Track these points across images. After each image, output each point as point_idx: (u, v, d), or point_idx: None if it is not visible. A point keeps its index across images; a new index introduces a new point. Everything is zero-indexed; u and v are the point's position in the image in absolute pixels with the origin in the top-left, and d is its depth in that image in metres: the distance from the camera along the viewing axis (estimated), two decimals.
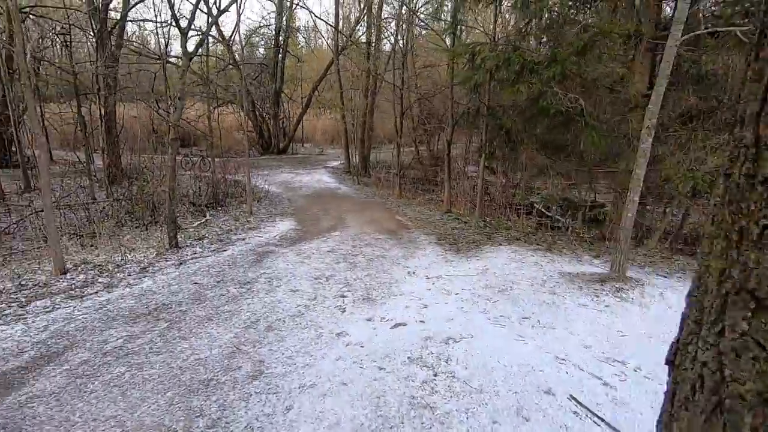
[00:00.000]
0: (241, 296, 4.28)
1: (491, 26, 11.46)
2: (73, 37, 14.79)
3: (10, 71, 13.62)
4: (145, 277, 4.87)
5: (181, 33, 5.65)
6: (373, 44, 14.87)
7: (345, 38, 15.94)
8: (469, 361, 2.94)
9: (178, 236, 6.82)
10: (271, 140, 19.22)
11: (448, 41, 11.26)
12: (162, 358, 3.01)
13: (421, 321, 3.63)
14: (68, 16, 13.16)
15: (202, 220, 8.75)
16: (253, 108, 18.40)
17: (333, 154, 21.38)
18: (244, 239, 6.75)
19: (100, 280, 4.79)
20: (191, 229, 7.83)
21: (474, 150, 21.21)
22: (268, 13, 17.86)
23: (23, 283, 4.83)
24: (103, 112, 12.54)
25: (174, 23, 5.44)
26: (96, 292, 4.34)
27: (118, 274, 4.99)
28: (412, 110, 13.09)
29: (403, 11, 11.09)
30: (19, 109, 14.43)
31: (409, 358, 2.97)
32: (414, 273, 5.18)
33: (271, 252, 6.03)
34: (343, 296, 4.32)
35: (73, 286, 4.62)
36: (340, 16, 16.69)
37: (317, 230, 7.62)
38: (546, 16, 5.63)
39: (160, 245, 6.34)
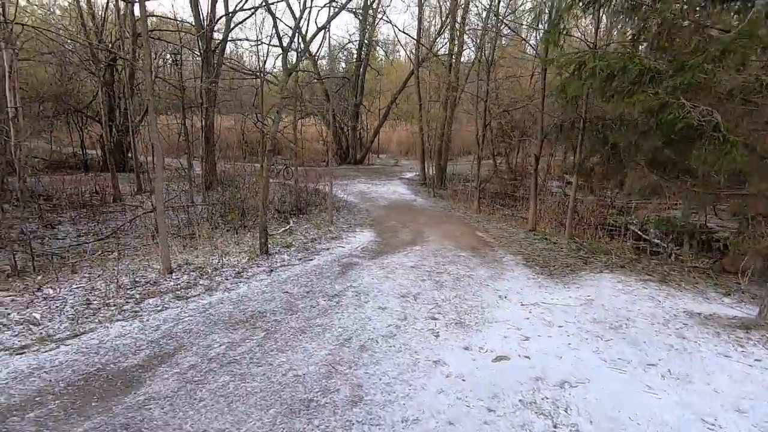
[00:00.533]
0: (331, 309, 4.23)
1: (587, 34, 10.69)
2: (183, 56, 16.41)
3: (131, 87, 15.40)
4: (240, 282, 5.05)
5: (282, 50, 5.88)
6: (455, 55, 14.64)
7: (426, 50, 15.90)
8: (591, 412, 2.55)
9: (268, 242, 7.08)
10: (349, 151, 19.71)
11: (539, 50, 10.70)
12: (262, 370, 3.00)
13: (525, 356, 3.29)
14: (180, 38, 14.63)
15: (286, 227, 9.05)
16: (334, 119, 19.03)
17: (408, 165, 21.39)
18: (328, 249, 6.82)
19: (201, 282, 5.05)
20: (277, 236, 8.11)
21: (557, 164, 20.01)
22: (351, 33, 18.43)
23: (137, 279, 5.25)
24: (203, 123, 13.68)
25: (277, 41, 5.67)
26: (198, 295, 4.56)
27: (216, 278, 5.23)
28: (492, 122, 12.61)
29: (490, 22, 10.75)
30: (135, 121, 16.25)
31: (521, 401, 2.66)
32: (506, 297, 4.81)
33: (355, 264, 5.99)
34: (434, 318, 4.09)
35: (178, 286, 4.91)
36: (422, 29, 16.70)
37: (397, 243, 7.50)
38: (659, 20, 5.03)
39: (251, 250, 6.61)
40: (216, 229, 9.66)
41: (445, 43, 17.56)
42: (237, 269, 5.62)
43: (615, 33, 8.31)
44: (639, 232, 10.64)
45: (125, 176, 14.07)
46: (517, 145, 17.38)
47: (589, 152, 6.76)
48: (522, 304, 4.57)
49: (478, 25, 14.01)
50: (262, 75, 9.71)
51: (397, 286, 5.05)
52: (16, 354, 3.10)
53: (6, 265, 7.23)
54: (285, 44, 5.85)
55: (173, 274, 5.48)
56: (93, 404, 2.57)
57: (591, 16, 7.44)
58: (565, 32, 6.00)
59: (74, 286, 5.10)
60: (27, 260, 7.32)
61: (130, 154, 16.30)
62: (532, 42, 14.24)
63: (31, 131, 15.08)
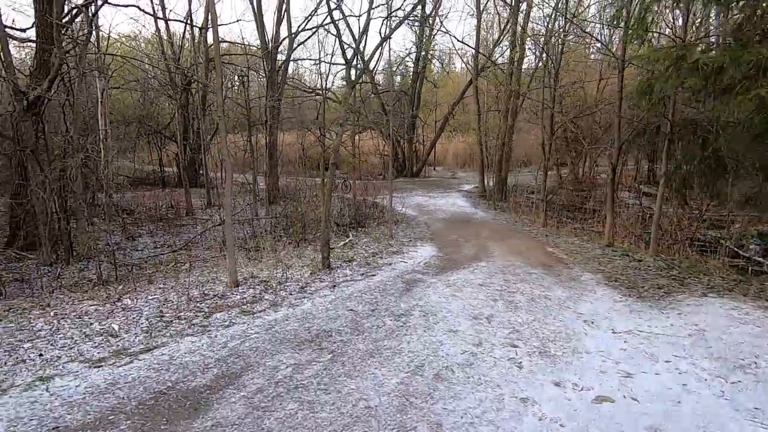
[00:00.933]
0: (398, 331, 3.94)
1: (675, 28, 9.73)
2: (250, 77, 17.29)
3: (203, 108, 16.42)
4: (304, 297, 4.92)
5: (346, 64, 5.81)
6: (516, 62, 14.05)
7: (485, 58, 15.44)
8: None
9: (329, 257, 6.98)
10: (405, 163, 19.56)
11: (615, 49, 9.95)
12: (331, 398, 2.76)
13: (632, 398, 2.77)
14: (247, 61, 15.40)
15: (346, 241, 8.95)
16: (391, 133, 19.03)
17: (465, 177, 20.82)
18: (390, 264, 6.57)
19: (266, 296, 4.98)
20: (338, 249, 8.01)
21: (629, 174, 18.45)
22: (408, 47, 18.43)
23: (206, 292, 5.31)
24: (267, 140, 14.19)
25: (338, 57, 5.59)
26: (264, 310, 4.47)
27: (280, 292, 5.15)
28: (559, 130, 11.81)
29: (558, 23, 10.14)
30: (207, 140, 17.27)
31: None
32: (593, 323, 4.25)
33: (419, 281, 5.68)
34: (514, 346, 3.66)
35: (244, 300, 4.88)
36: (480, 38, 16.28)
37: (461, 258, 7.09)
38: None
39: (313, 264, 6.52)
40: (278, 241, 9.81)
41: (504, 51, 17.00)
42: (300, 284, 5.52)
43: (713, 22, 7.41)
44: (736, 249, 9.35)
45: (197, 191, 14.86)
46: (584, 155, 16.27)
47: (683, 159, 5.98)
48: (614, 332, 3.99)
49: (541, 30, 13.38)
50: (323, 92, 9.81)
51: (467, 307, 4.65)
52: (95, 367, 3.12)
53: (93, 274, 7.77)
54: (348, 58, 5.77)
55: (239, 287, 5.50)
56: (162, 427, 2.47)
57: (679, 8, 6.70)
58: (650, 27, 5.39)
59: (150, 297, 5.25)
60: (111, 270, 7.81)
61: (201, 171, 17.34)
62: (602, 42, 13.29)
63: (118, 151, 16.52)
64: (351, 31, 11.71)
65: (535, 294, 5.20)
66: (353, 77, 5.88)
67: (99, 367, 3.12)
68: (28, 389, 2.78)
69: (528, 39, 13.67)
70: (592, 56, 16.40)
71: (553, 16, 10.30)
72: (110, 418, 2.54)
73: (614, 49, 8.57)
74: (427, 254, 7.44)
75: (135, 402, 2.70)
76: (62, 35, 9.11)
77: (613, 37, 14.65)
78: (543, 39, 11.03)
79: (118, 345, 3.58)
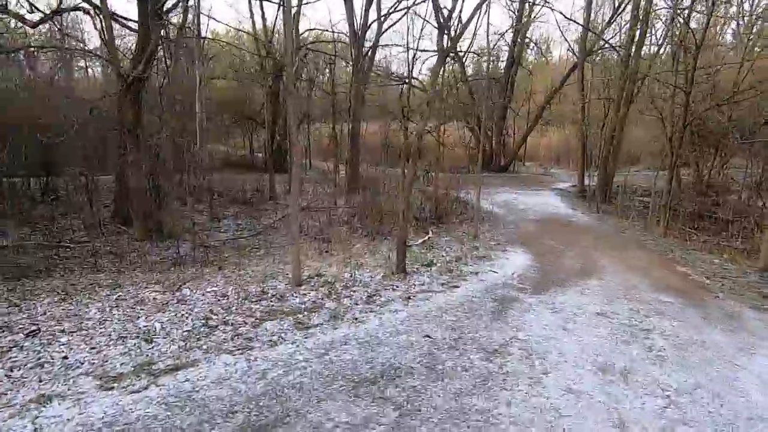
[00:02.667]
0: (492, 379, 2.78)
1: None
2: (336, 64, 16.86)
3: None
4: (371, 311, 3.94)
5: (438, 28, 4.65)
6: (636, 41, 11.61)
7: (595, 38, 13.11)
8: None
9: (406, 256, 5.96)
10: (493, 157, 17.78)
11: None
12: None
13: None
14: (335, 47, 14.89)
15: (425, 238, 7.87)
16: (479, 123, 17.38)
17: (559, 174, 18.40)
18: (476, 273, 5.34)
19: (327, 304, 4.10)
20: (415, 248, 6.96)
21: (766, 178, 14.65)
22: (504, 31, 16.54)
23: (265, 290, 4.61)
24: (350, 127, 13.56)
25: (435, 15, 4.45)
26: (321, 324, 3.58)
27: (344, 300, 4.24)
28: (691, 121, 9.33)
29: None
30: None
31: None
32: None
33: (515, 300, 4.40)
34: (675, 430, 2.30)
35: (303, 306, 4.05)
36: (590, 15, 13.89)
37: (563, 272, 5.61)
38: None
39: (386, 265, 5.55)
40: (354, 233, 9.06)
41: (616, 34, 14.36)
42: (369, 290, 4.57)
43: None
44: None
45: (283, 177, 14.74)
46: (717, 153, 13.17)
47: None
48: None
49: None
50: (409, 79, 8.74)
51: (587, 349, 3.31)
52: (104, 389, 2.45)
53: (175, 253, 7.67)
54: (441, 21, 4.60)
55: (302, 287, 4.72)
56: None
57: None
58: None
59: (209, 289, 4.69)
60: (190, 250, 7.66)
61: (288, 157, 17.44)
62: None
63: (213, 136, 17.14)
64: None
65: (682, 337, 3.65)
66: (445, 46, 4.70)
67: (109, 390, 2.44)
68: (17, 416, 2.16)
69: (653, 13, 11.18)
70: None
71: None
72: None
73: None
74: (521, 263, 6.06)
75: None
76: (162, 21, 9.18)
77: None
78: (681, 5, 8.72)
79: (147, 355, 2.93)
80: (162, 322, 3.61)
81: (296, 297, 4.34)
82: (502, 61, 17.56)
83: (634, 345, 3.44)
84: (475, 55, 16.50)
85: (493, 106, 16.58)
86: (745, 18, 14.31)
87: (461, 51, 15.20)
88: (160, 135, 9.46)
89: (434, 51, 8.33)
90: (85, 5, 8.82)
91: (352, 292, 4.49)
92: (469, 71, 18.56)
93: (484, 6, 7.08)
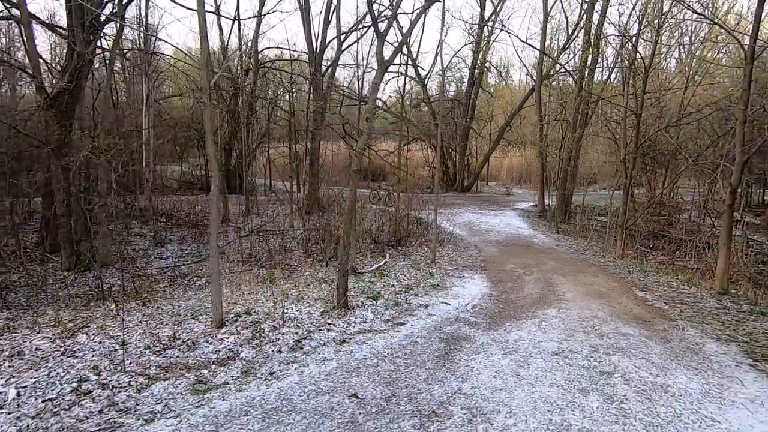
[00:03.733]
0: None
1: None
2: (296, 85, 16.36)
3: (249, 115, 15.66)
4: (293, 362, 3.28)
5: (378, 36, 4.21)
6: (588, 64, 11.79)
7: (550, 63, 13.29)
8: None
9: (353, 286, 5.35)
10: (456, 177, 17.62)
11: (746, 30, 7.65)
12: None
13: None
14: (291, 66, 14.43)
15: (381, 262, 7.31)
16: (441, 144, 17.24)
17: (521, 194, 18.45)
18: (426, 306, 4.79)
19: (243, 354, 3.41)
20: (367, 276, 6.38)
21: (714, 198, 15.13)
22: (466, 55, 16.70)
23: (177, 334, 3.87)
24: (307, 147, 12.99)
25: (374, 28, 4.01)
26: (225, 384, 2.89)
27: (267, 346, 3.56)
28: (643, 142, 9.36)
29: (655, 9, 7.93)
30: (252, 146, 16.50)
31: None
32: None
33: (465, 339, 3.86)
34: None
35: (212, 359, 3.34)
36: (545, 39, 14.13)
37: (522, 301, 5.17)
38: None
39: (330, 297, 4.93)
40: (309, 257, 8.39)
41: (570, 59, 14.69)
42: (300, 332, 3.92)
43: None
44: None
45: (239, 199, 13.88)
46: (666, 173, 13.45)
47: None
48: None
49: (615, 28, 11.08)
50: (359, 97, 8.34)
51: (541, 403, 2.79)
52: None
53: (105, 284, 6.71)
54: (381, 31, 4.16)
55: (223, 329, 4.01)
56: None
57: None
58: None
59: (110, 336, 3.90)
60: (123, 280, 6.73)
61: (250, 178, 16.62)
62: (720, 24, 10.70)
63: (160, 155, 16.12)
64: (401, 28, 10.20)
65: (645, 380, 3.20)
66: (386, 56, 4.26)
67: None
68: None
69: (604, 39, 11.41)
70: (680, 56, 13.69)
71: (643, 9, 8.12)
72: None
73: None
74: (477, 291, 5.59)
75: None
76: (95, 30, 8.40)
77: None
78: (629, 34, 8.82)
79: None
80: (23, 387, 2.82)
81: (210, 344, 3.63)
82: (463, 83, 17.63)
83: (594, 395, 2.95)
84: (438, 76, 16.48)
85: (455, 127, 16.51)
86: (686, 47, 15.00)
87: (421, 68, 15.07)
88: (94, 154, 8.55)
89: (385, 69, 7.97)
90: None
91: (279, 335, 3.83)
92: (433, 92, 18.54)
93: (445, 29, 6.80)
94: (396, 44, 4.40)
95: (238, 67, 16.26)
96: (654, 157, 12.66)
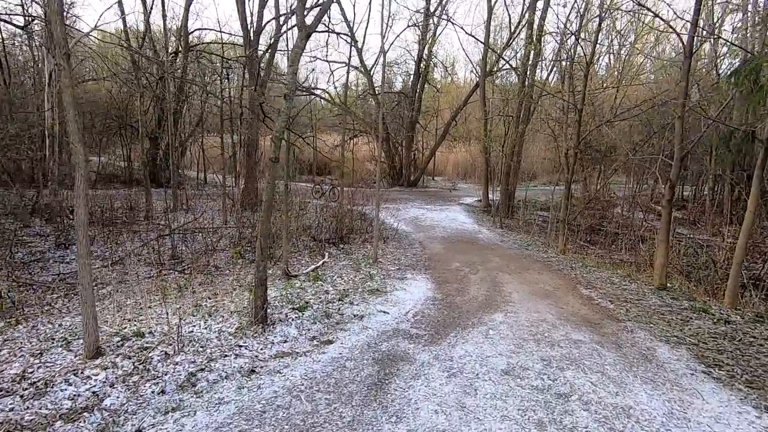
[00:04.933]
0: None
1: None
2: (234, 71, 14.92)
3: (180, 101, 14.05)
4: (176, 410, 2.43)
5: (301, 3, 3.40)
6: (530, 64, 11.70)
7: (494, 58, 13.10)
8: None
9: (280, 294, 4.53)
10: (402, 172, 17.13)
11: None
12: None
13: None
14: (223, 51, 13.06)
15: (319, 263, 6.54)
16: (387, 138, 16.61)
17: (466, 189, 18.39)
18: (361, 317, 4.10)
19: (108, 400, 2.51)
20: (302, 279, 5.58)
21: (643, 194, 15.94)
22: (411, 48, 16.19)
23: (28, 373, 2.87)
24: (241, 138, 11.80)
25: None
26: None
27: (146, 385, 2.69)
28: (585, 136, 9.37)
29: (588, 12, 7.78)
30: (183, 135, 14.87)
31: None
32: None
33: (403, 358, 3.23)
34: None
35: (64, 409, 2.42)
36: (489, 34, 13.94)
37: (468, 305, 4.66)
38: None
39: (250, 309, 4.08)
40: (242, 258, 7.40)
41: (515, 55, 14.69)
42: (200, 360, 3.06)
43: None
44: None
45: (169, 193, 12.35)
46: (601, 170, 13.87)
47: None
48: None
49: (557, 26, 11.09)
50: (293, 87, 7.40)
51: None
52: None
53: None
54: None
55: (99, 359, 3.05)
56: None
57: None
58: None
59: None
60: (8, 291, 5.38)
61: (180, 170, 14.95)
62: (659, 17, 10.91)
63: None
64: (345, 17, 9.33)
65: (605, 403, 2.74)
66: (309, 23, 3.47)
67: None
68: None
69: (545, 35, 11.35)
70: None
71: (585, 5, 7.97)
72: None
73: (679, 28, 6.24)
74: (421, 294, 5.00)
75: None
76: None
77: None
78: (570, 29, 8.67)
79: None
80: None
81: (71, 385, 2.68)
82: (410, 76, 17.10)
83: (552, 430, 2.42)
84: (383, 68, 15.81)
85: (401, 121, 15.97)
86: (625, 44, 15.56)
87: (367, 70, 14.34)
88: None
89: (307, 36, 7.12)
90: None
91: (171, 366, 2.95)
92: (379, 84, 17.85)
93: (390, 20, 6.04)
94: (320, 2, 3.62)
95: (165, 50, 14.52)
96: (590, 155, 12.96)
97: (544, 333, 3.94)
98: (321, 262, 6.68)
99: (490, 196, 13.60)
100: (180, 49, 13.48)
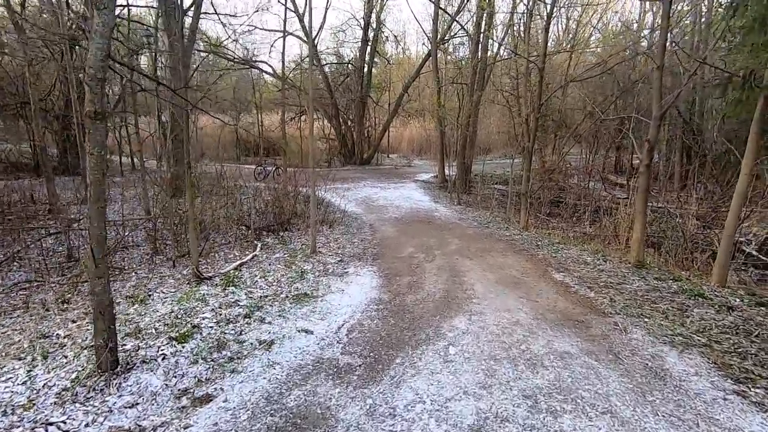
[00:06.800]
0: None
1: None
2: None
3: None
4: None
5: None
6: (484, 30, 10.50)
7: (449, 21, 11.78)
8: None
9: (168, 310, 3.11)
10: (354, 149, 15.68)
11: None
12: None
13: None
14: (130, 14, 10.80)
15: (246, 258, 5.15)
16: (337, 114, 15.01)
17: (421, 165, 17.27)
18: (271, 343, 2.81)
19: None
20: (215, 282, 4.19)
21: (597, 163, 15.50)
22: (357, 10, 14.49)
23: None
24: (159, 115, 9.86)
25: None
26: None
27: None
28: (544, 102, 8.35)
29: None
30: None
31: None
32: None
33: (320, 420, 2.00)
34: None
35: None
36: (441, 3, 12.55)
37: (420, 307, 3.51)
38: None
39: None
40: (159, 254, 5.83)
41: (469, 20, 13.42)
42: None
43: None
44: (756, 253, 6.35)
45: (78, 182, 10.21)
46: (550, 141, 13.14)
47: None
48: None
49: None
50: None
51: None
52: None
53: None
54: None
55: None
56: None
57: None
58: None
59: None
60: None
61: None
62: None
63: None
64: None
65: None
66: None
67: None
68: None
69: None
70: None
71: None
72: None
73: None
74: (362, 298, 3.78)
75: None
76: None
77: None
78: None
79: None
80: None
81: None
82: (357, 43, 15.35)
83: None
84: (330, 36, 14.02)
85: (351, 96, 14.41)
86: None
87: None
88: None
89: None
90: None
91: None
92: (326, 57, 16.05)
93: None
94: None
95: (69, 13, 11.92)
96: (544, 124, 12.14)
97: (521, 344, 2.86)
98: (250, 257, 5.29)
99: (447, 171, 12.55)
100: (87, 14, 11.03)
